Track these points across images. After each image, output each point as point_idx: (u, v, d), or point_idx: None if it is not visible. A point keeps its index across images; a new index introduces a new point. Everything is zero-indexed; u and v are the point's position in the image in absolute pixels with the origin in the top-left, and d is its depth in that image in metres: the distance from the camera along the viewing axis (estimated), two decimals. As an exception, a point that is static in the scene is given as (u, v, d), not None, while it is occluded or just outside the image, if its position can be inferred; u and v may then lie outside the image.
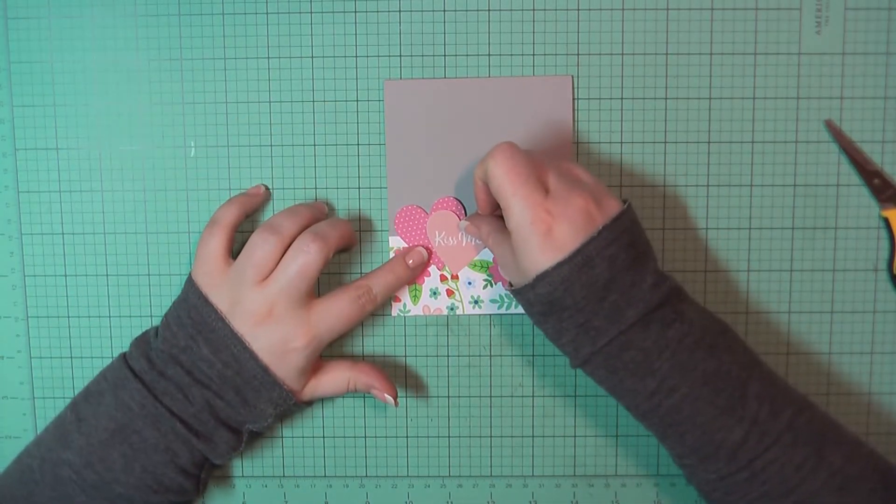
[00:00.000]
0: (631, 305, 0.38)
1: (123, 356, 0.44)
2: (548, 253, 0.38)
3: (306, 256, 0.42)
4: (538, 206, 0.38)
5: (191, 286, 0.43)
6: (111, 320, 0.48)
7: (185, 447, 0.42)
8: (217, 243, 0.43)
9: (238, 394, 0.42)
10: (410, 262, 0.46)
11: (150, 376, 0.42)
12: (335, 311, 0.43)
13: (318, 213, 0.45)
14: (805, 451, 0.38)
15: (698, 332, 0.39)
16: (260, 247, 0.42)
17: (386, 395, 0.45)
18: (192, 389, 0.42)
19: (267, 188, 0.47)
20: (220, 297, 0.42)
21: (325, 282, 0.48)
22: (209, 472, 0.45)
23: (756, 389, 0.39)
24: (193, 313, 0.42)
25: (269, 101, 0.47)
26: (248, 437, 0.44)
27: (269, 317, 0.42)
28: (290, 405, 0.44)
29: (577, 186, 0.39)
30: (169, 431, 0.42)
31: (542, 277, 0.38)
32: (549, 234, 0.38)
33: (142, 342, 0.44)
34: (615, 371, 0.39)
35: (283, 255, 0.42)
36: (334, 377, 0.45)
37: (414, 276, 0.47)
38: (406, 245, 0.47)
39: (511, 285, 0.42)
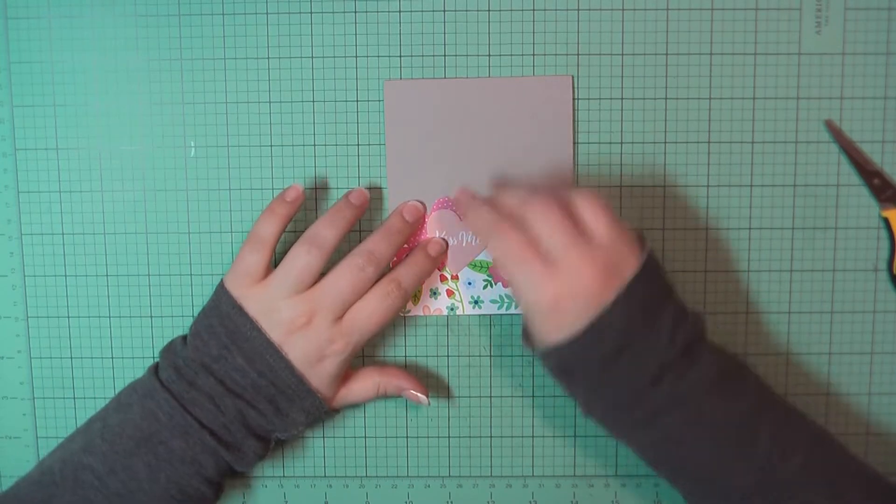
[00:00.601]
0: (641, 369, 0.37)
1: (155, 367, 0.44)
2: (557, 331, 0.38)
3: (361, 273, 0.42)
4: (540, 281, 0.38)
5: (223, 294, 0.43)
6: (111, 320, 0.48)
7: (212, 458, 0.41)
8: (259, 260, 0.43)
9: (271, 403, 0.42)
10: (432, 252, 0.46)
11: (179, 386, 0.42)
12: (366, 312, 0.43)
13: (359, 212, 0.44)
14: (819, 492, 0.37)
15: (711, 378, 0.38)
16: (303, 259, 0.42)
17: (419, 394, 0.45)
18: (224, 399, 0.41)
19: (303, 188, 0.45)
20: (254, 306, 0.42)
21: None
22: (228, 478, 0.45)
23: (768, 432, 0.38)
24: (227, 322, 0.42)
25: (269, 101, 0.47)
26: (273, 445, 0.44)
27: (306, 326, 0.42)
28: (322, 413, 0.43)
29: (589, 251, 0.38)
30: (197, 443, 0.41)
31: (551, 351, 0.39)
32: (556, 310, 0.38)
33: (169, 352, 0.44)
34: (621, 426, 0.40)
35: (324, 266, 0.42)
36: (363, 383, 0.45)
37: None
38: (405, 246, 0.47)
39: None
